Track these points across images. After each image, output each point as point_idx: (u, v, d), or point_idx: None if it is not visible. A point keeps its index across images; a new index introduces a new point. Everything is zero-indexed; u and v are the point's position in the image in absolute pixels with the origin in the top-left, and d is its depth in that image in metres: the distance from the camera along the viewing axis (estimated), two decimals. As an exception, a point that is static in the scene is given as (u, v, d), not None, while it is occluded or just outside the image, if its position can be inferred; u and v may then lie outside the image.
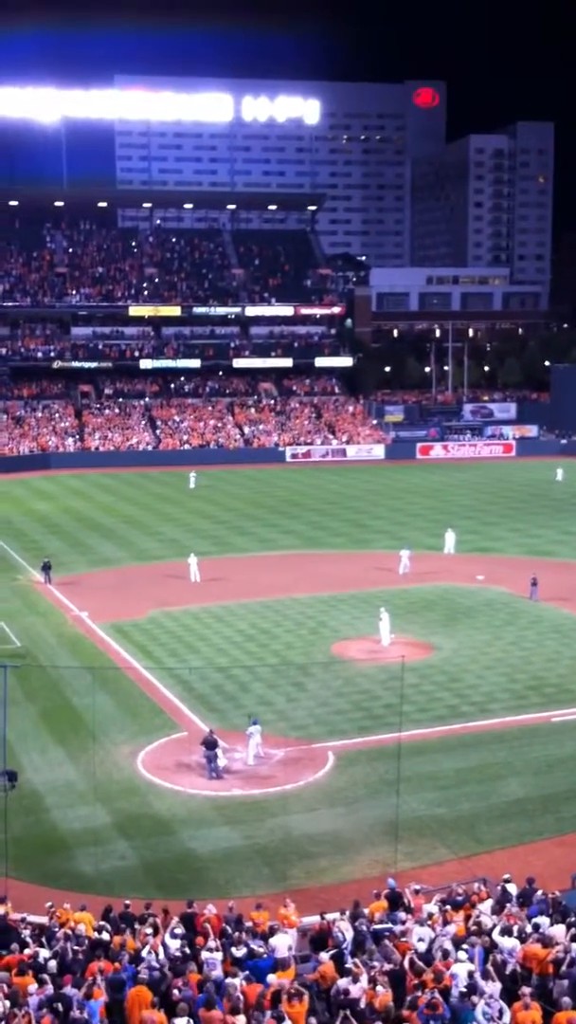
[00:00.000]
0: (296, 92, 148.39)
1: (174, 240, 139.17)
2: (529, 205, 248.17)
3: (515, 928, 19.57)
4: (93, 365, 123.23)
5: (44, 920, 21.32)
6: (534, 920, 20.06)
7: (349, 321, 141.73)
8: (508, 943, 19.03)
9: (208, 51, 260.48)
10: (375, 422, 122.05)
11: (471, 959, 18.43)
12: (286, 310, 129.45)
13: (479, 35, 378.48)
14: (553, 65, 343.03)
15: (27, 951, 19.28)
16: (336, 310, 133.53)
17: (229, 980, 17.92)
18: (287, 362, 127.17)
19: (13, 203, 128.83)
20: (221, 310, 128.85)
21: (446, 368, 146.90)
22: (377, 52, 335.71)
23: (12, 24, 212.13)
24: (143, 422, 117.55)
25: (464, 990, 17.55)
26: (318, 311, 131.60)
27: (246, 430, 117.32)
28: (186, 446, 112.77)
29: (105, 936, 20.11)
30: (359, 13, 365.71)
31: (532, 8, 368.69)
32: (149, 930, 20.02)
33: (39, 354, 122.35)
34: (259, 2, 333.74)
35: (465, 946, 18.87)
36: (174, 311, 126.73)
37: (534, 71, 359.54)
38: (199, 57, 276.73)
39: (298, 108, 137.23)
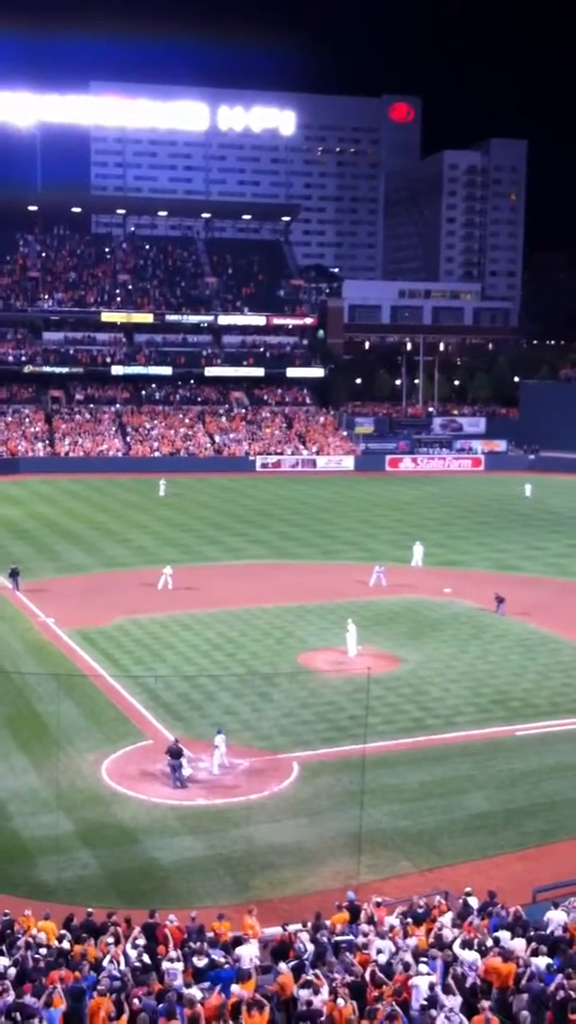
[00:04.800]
0: (272, 103, 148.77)
1: (148, 247, 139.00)
2: (501, 222, 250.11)
3: (476, 941, 19.66)
4: (64, 370, 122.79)
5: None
6: (495, 934, 20.15)
7: (321, 332, 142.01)
8: (469, 956, 19.11)
9: (184, 60, 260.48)
10: (345, 433, 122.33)
11: (432, 972, 18.50)
12: (258, 320, 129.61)
13: (455, 52, 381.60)
14: (527, 84, 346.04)
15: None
16: (308, 321, 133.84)
17: (189, 990, 17.90)
18: (259, 371, 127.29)
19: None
20: (194, 318, 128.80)
21: (416, 381, 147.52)
22: (353, 66, 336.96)
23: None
24: (114, 428, 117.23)
25: (424, 1003, 17.62)
26: (290, 321, 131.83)
27: (217, 439, 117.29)
28: (156, 453, 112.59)
29: (66, 945, 20.02)
30: (336, 26, 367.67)
31: (508, 27, 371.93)
32: (110, 939, 19.96)
33: (10, 358, 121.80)
34: (236, 12, 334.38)
35: (425, 959, 18.93)
36: (147, 318, 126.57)
37: (508, 89, 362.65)
38: (175, 65, 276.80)
39: (274, 119, 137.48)
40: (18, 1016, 17.06)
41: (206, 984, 18.40)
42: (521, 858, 27.30)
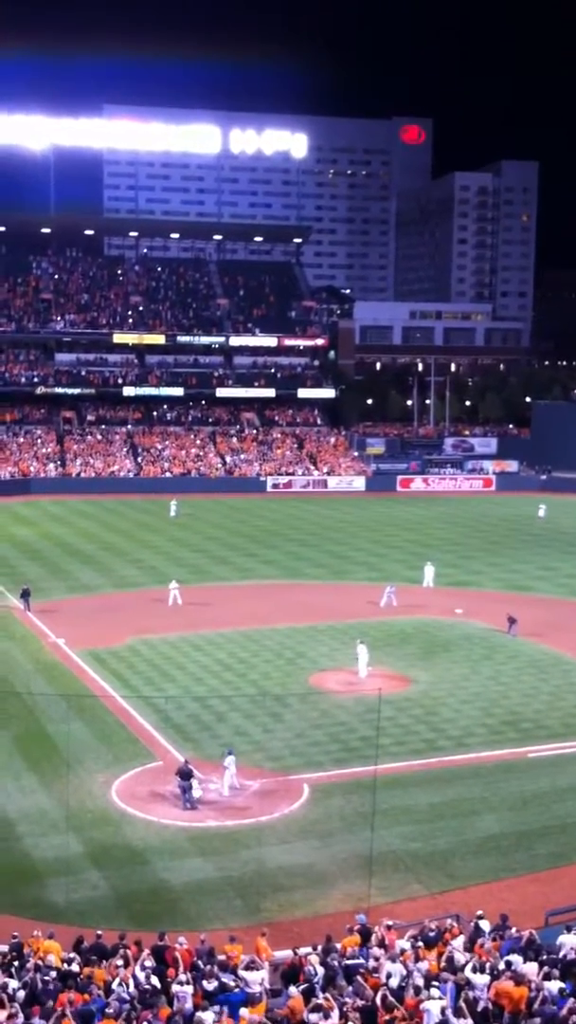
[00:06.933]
0: (284, 126, 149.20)
1: (160, 269, 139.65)
2: (512, 243, 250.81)
3: (488, 965, 19.50)
4: (76, 391, 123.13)
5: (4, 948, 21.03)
6: (507, 957, 19.97)
7: (332, 353, 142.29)
8: (480, 980, 18.95)
9: (197, 83, 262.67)
10: (356, 454, 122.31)
11: (443, 996, 18.34)
12: (270, 341, 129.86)
13: (466, 73, 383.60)
14: (538, 105, 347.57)
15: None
16: (319, 342, 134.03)
17: (199, 1014, 17.77)
18: (270, 392, 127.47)
19: (0, 229, 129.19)
20: (205, 339, 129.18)
21: (428, 402, 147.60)
22: (364, 88, 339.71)
23: (2, 51, 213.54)
24: (125, 449, 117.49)
25: (436, 1027, 17.46)
26: (302, 342, 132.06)
27: (228, 459, 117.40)
28: (167, 474, 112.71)
29: (75, 967, 19.91)
30: (347, 49, 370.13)
31: (518, 49, 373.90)
32: (120, 962, 19.84)
33: (22, 379, 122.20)
34: (248, 36, 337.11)
35: (437, 983, 18.77)
36: (158, 339, 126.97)
37: (519, 111, 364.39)
38: (188, 88, 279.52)
39: (285, 141, 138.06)
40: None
41: (218, 1007, 18.25)
42: (533, 881, 27.10)
